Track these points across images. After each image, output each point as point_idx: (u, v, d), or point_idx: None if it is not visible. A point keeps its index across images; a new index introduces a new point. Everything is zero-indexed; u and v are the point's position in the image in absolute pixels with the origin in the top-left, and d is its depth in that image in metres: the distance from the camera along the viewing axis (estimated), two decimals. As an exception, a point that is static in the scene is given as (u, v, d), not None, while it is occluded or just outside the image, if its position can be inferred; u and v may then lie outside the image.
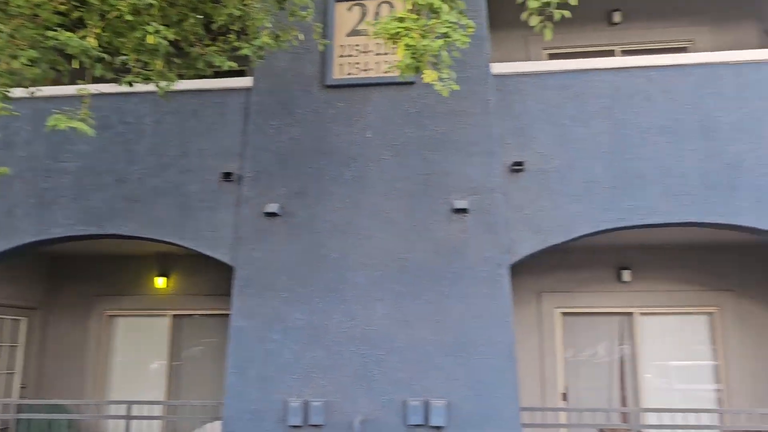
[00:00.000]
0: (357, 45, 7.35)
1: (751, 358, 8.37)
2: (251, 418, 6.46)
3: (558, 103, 7.12)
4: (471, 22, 4.89)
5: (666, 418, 6.80)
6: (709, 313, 8.65)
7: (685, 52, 9.31)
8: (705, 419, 6.86)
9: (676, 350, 8.75)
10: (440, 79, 4.57)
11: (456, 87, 4.92)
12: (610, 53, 9.51)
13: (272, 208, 6.87)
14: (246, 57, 5.73)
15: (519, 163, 6.95)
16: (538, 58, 9.51)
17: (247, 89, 7.49)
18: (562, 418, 7.87)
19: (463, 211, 6.74)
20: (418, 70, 4.50)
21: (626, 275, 8.64)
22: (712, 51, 8.16)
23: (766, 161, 6.68)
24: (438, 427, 6.30)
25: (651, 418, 7.71)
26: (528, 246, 6.82)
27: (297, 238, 6.89)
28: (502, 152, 7.00)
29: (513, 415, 6.34)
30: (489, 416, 6.32)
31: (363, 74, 7.28)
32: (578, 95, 7.11)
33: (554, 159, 6.98)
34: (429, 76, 4.45)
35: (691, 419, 6.69)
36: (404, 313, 6.59)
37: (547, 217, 6.84)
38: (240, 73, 8.30)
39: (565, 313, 8.85)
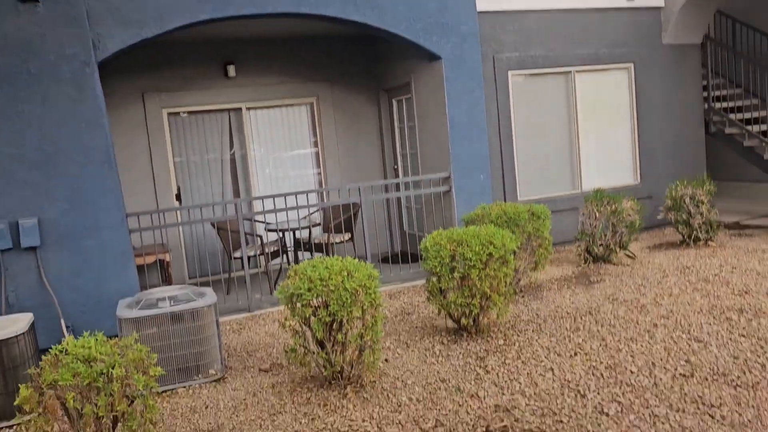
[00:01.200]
0: None
1: (342, 141, 9.33)
2: None
3: None
4: None
5: (275, 202, 7.26)
6: (309, 104, 9.24)
7: None
8: (308, 199, 7.53)
9: (283, 141, 9.27)
10: None
11: None
12: None
13: None
14: None
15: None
16: None
17: None
18: (178, 217, 7.87)
19: (32, 0, 5.67)
20: None
21: (231, 70, 8.56)
22: None
23: (351, -49, 6.91)
24: (33, 248, 5.74)
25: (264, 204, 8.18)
26: (118, 41, 6.15)
27: None
28: (74, -74, 5.92)
29: (118, 222, 6.07)
30: (91, 227, 5.96)
31: None
32: None
33: (139, -62, 6.18)
34: None
35: (299, 201, 7.26)
36: (-31, 126, 5.55)
37: (138, 8, 6.18)
38: None
39: (172, 113, 8.53)
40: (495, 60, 8.38)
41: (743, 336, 4.86)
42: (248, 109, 8.90)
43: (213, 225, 7.52)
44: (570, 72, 8.89)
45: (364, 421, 4.02)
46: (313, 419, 4.11)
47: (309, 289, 4.33)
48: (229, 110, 8.85)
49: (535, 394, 4.18)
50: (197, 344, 4.90)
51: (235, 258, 7.43)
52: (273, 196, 7.17)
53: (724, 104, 10.13)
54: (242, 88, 8.74)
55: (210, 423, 4.23)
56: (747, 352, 4.54)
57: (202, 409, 4.46)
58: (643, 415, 3.76)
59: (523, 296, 6.49)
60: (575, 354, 4.82)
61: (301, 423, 4.07)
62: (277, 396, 4.55)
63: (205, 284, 6.98)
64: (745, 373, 4.21)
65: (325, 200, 8.72)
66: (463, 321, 5.37)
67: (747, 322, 5.15)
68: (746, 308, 5.47)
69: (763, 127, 9.59)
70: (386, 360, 5.04)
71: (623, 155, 9.37)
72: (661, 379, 4.23)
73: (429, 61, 7.76)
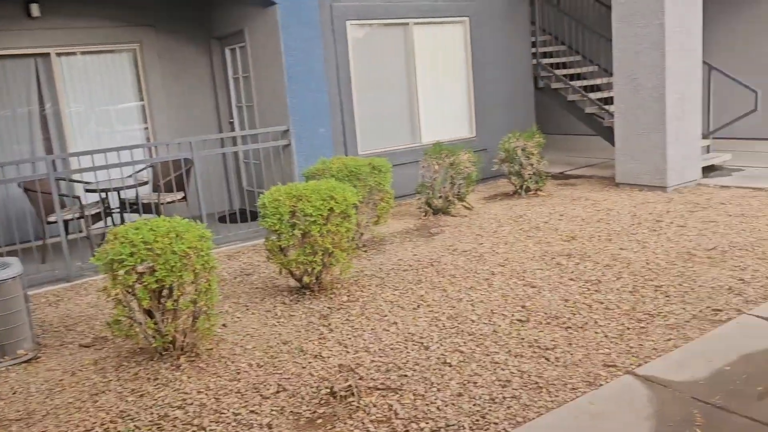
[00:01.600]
0: None
1: (171, 93, 8.59)
2: None
3: None
4: None
5: (96, 160, 6.52)
6: (132, 51, 8.38)
7: None
8: (134, 156, 6.86)
9: (103, 93, 8.35)
10: None
11: None
12: None
13: None
14: None
15: None
16: None
17: None
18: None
19: None
20: None
21: (35, 9, 7.48)
22: None
23: None
24: None
25: (80, 162, 7.37)
26: None
27: None
28: None
29: None
30: None
31: None
32: None
33: None
34: None
35: (123, 157, 6.60)
36: None
37: None
38: None
39: (-37, 58, 7.36)
40: (332, 9, 8.07)
41: (572, 280, 5.11)
42: (59, 54, 7.88)
43: (20, 185, 6.63)
44: (408, 24, 8.82)
45: (199, 393, 3.71)
46: (141, 396, 3.73)
47: (131, 254, 3.88)
48: (35, 56, 7.79)
49: (379, 350, 4.10)
50: (1, 322, 4.27)
51: (49, 222, 6.63)
52: (91, 153, 6.46)
53: (551, 60, 10.63)
54: (50, 31, 7.71)
55: (19, 410, 3.70)
56: (576, 295, 4.77)
57: (9, 396, 3.90)
58: (484, 362, 3.80)
59: (365, 251, 6.41)
60: (418, 306, 4.80)
61: (127, 401, 3.68)
62: (100, 373, 4.09)
63: (13, 253, 6.16)
64: (574, 314, 4.41)
65: (154, 156, 8.07)
66: (306, 279, 5.17)
67: (575, 266, 5.43)
68: (574, 253, 5.77)
69: (585, 83, 10.19)
70: (224, 325, 4.72)
71: (460, 109, 9.55)
72: (499, 325, 4.32)
73: (263, 6, 7.30)
